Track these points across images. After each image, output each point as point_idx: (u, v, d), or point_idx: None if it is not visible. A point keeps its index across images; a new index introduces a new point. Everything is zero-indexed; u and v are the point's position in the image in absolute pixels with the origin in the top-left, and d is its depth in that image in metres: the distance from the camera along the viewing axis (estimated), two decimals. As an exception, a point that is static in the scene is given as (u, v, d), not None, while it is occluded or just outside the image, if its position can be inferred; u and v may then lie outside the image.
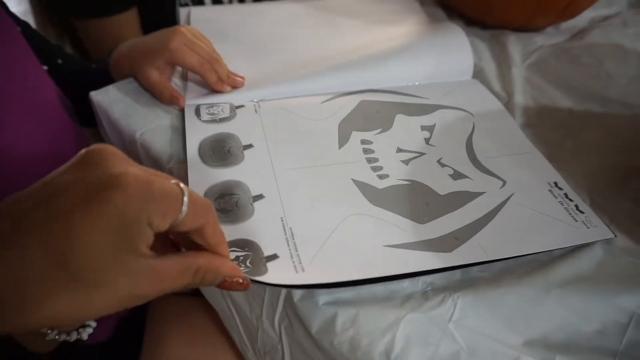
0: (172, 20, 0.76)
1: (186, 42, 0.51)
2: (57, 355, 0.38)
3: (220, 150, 0.45)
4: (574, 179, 0.46)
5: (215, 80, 0.51)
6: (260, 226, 0.38)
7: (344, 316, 0.35)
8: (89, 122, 0.56)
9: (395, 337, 0.34)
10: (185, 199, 0.25)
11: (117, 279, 0.23)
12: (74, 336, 0.36)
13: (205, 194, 0.40)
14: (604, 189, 0.45)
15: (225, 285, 0.29)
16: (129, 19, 0.75)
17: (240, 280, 0.30)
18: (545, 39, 0.64)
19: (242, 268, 0.34)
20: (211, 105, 0.50)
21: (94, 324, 0.38)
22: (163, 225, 0.24)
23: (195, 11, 0.66)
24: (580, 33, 0.65)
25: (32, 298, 0.22)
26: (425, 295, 0.37)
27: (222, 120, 0.49)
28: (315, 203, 0.41)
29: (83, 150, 0.25)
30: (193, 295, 0.59)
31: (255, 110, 0.50)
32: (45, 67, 0.54)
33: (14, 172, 0.41)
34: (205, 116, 0.49)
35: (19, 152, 0.42)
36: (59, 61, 0.58)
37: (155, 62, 0.51)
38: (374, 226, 0.39)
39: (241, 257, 0.35)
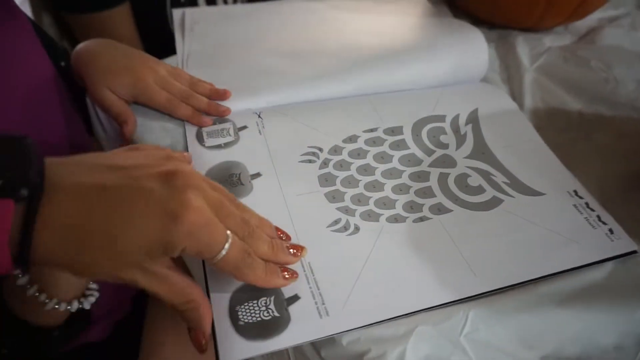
0: (162, 14, 0.74)
1: (157, 81, 0.48)
2: (66, 330, 0.39)
3: (228, 181, 0.42)
4: (585, 184, 0.45)
5: (189, 113, 0.48)
6: None
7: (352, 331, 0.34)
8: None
9: (406, 351, 0.33)
10: (223, 252, 0.29)
11: (133, 269, 0.28)
12: (74, 305, 0.37)
13: None
14: (615, 194, 0.44)
15: (192, 335, 0.31)
16: (122, 13, 0.73)
17: (203, 343, 0.31)
18: (553, 40, 0.63)
19: (266, 316, 0.33)
20: (214, 130, 0.47)
21: (96, 294, 0.38)
22: (193, 255, 0.28)
23: (190, 13, 0.63)
24: (588, 34, 0.64)
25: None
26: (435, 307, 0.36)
27: (227, 145, 0.46)
28: (335, 232, 0.39)
29: (173, 168, 0.29)
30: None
31: (260, 132, 0.47)
32: None
33: None
34: (208, 142, 0.46)
35: None
36: (62, 64, 0.55)
37: (116, 88, 0.47)
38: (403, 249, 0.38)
39: (264, 301, 0.34)
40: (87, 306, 0.37)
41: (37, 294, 0.34)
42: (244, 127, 0.47)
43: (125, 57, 0.49)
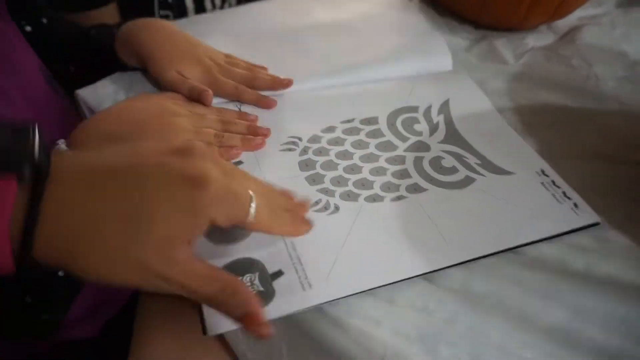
0: (150, 16, 0.74)
1: (221, 71, 0.49)
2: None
3: None
4: (568, 177, 0.45)
5: (256, 97, 0.50)
6: (260, 242, 0.37)
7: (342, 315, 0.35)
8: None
9: (395, 333, 0.34)
10: (252, 211, 0.28)
11: (150, 257, 0.25)
12: None
13: None
14: (599, 187, 0.45)
15: (247, 320, 0.27)
16: (108, 14, 0.73)
17: (264, 323, 0.27)
18: (536, 40, 0.64)
19: (253, 290, 0.34)
20: None
21: None
22: (225, 224, 0.27)
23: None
24: (569, 33, 0.66)
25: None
26: (423, 290, 0.37)
27: None
28: (316, 212, 0.40)
29: (182, 144, 0.28)
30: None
31: None
32: (28, 28, 0.51)
33: None
34: None
35: None
36: (44, 20, 0.53)
37: (185, 75, 0.48)
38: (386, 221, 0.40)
39: (249, 277, 0.35)
40: None
41: None
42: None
43: (186, 41, 0.50)
